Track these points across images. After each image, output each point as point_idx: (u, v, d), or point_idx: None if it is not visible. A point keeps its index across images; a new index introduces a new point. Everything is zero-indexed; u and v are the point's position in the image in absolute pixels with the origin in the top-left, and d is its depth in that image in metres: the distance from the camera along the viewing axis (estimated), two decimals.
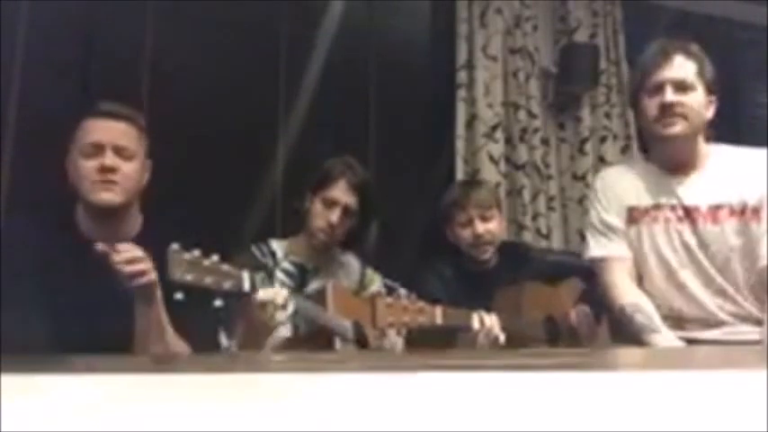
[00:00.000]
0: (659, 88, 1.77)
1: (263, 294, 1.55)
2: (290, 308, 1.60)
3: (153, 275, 1.40)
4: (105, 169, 1.51)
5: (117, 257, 1.36)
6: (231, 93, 2.81)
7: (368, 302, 1.78)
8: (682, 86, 1.77)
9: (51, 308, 1.44)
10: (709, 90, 1.80)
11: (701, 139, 1.84)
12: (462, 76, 3.02)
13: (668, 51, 1.80)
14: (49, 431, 0.41)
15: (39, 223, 1.63)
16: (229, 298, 1.47)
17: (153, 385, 0.60)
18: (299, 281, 1.95)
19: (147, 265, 1.39)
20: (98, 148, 1.52)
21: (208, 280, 1.40)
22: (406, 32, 3.26)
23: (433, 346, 1.85)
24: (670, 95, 1.76)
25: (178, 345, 1.49)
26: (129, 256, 1.37)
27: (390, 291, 1.89)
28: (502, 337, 1.90)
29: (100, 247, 1.37)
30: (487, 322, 1.89)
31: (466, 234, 2.16)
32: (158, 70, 2.68)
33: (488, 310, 1.92)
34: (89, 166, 1.52)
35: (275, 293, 1.58)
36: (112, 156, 1.52)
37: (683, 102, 1.76)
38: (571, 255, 2.55)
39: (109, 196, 1.52)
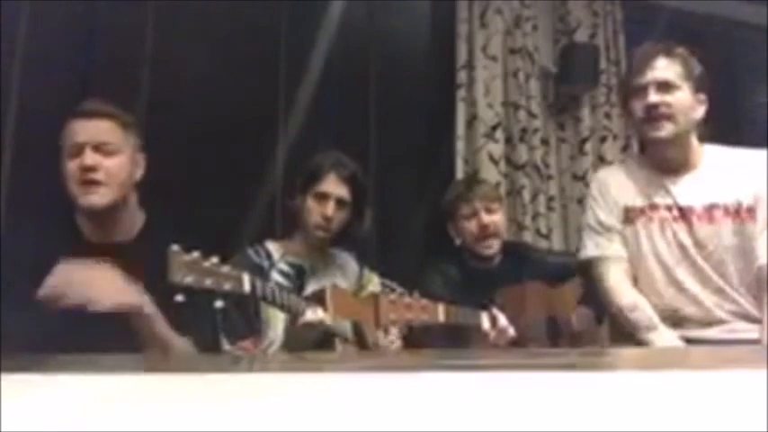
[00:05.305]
0: (643, 90, 1.79)
1: (310, 316, 1.64)
2: (328, 322, 1.70)
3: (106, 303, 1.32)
4: (85, 168, 1.51)
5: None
6: (231, 92, 2.80)
7: (370, 300, 1.79)
8: (665, 87, 1.78)
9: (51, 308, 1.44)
10: (698, 89, 1.81)
11: (693, 139, 1.84)
12: (462, 76, 3.01)
13: (651, 54, 1.81)
14: (49, 431, 0.41)
15: (40, 224, 1.63)
16: (230, 299, 1.47)
17: (153, 385, 0.60)
18: (296, 282, 1.94)
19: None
20: (79, 148, 1.53)
21: (208, 281, 1.39)
22: (406, 32, 3.26)
23: (442, 346, 1.85)
24: (653, 96, 1.77)
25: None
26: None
27: (388, 291, 1.89)
28: (512, 332, 1.90)
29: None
30: (502, 322, 1.89)
31: (471, 226, 2.15)
32: (158, 70, 2.68)
33: (491, 309, 1.92)
34: (72, 166, 1.53)
35: (318, 314, 1.67)
36: (92, 154, 1.52)
37: (669, 102, 1.77)
38: (572, 255, 2.56)
39: (94, 199, 1.52)
